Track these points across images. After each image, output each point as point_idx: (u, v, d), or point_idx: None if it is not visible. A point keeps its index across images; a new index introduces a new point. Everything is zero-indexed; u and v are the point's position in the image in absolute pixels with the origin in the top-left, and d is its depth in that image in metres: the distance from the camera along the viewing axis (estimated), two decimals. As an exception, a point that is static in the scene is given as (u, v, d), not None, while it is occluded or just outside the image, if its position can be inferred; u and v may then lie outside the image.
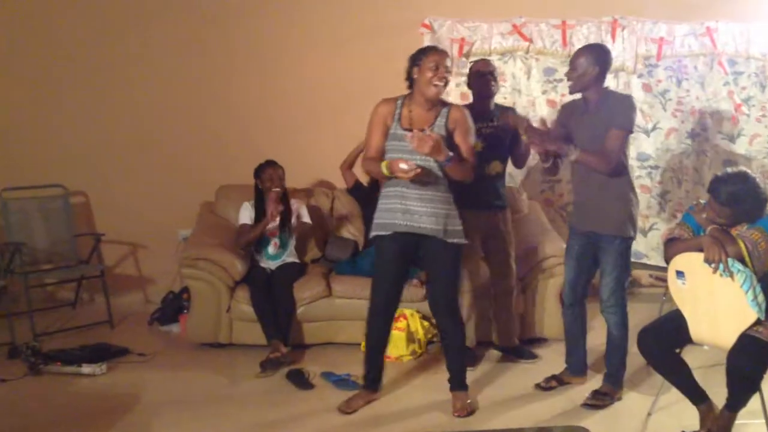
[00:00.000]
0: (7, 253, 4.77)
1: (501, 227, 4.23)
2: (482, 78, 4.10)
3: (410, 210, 3.41)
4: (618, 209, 3.60)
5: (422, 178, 3.33)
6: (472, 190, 4.04)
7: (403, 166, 3.27)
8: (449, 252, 3.49)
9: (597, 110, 3.59)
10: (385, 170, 3.36)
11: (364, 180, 4.91)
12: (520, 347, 4.36)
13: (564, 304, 3.93)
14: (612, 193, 3.58)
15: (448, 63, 3.42)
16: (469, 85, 4.23)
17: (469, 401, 3.62)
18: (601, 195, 3.60)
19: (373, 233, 3.55)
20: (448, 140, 3.45)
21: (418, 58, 3.44)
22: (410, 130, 3.37)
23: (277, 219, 4.61)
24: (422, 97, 3.44)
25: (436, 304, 3.63)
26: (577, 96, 3.70)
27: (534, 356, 4.31)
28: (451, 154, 3.34)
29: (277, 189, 4.58)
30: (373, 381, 3.69)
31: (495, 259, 4.27)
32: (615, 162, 3.51)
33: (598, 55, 3.60)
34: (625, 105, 3.60)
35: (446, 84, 3.43)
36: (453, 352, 3.66)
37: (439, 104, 3.50)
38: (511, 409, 3.67)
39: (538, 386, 3.89)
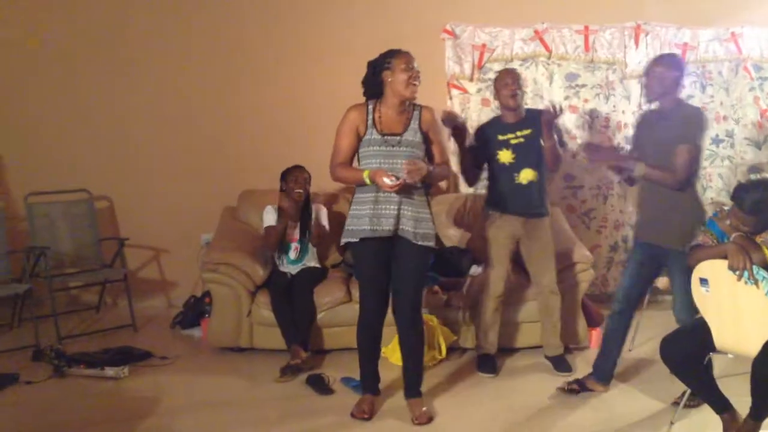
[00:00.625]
0: (33, 257, 4.85)
1: (538, 233, 4.16)
2: (506, 89, 4.07)
3: (381, 213, 3.42)
4: (682, 223, 3.53)
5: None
6: (506, 197, 4.10)
7: (387, 180, 3.28)
8: (417, 255, 3.49)
9: (668, 119, 3.58)
10: (367, 180, 3.37)
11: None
12: (560, 358, 4.26)
13: (611, 309, 3.88)
14: (677, 208, 3.54)
15: (416, 64, 3.43)
16: (496, 95, 4.21)
17: (425, 408, 3.59)
18: (666, 208, 3.56)
19: (344, 240, 3.55)
20: (424, 142, 3.51)
21: (386, 61, 3.44)
22: (385, 134, 3.42)
23: (297, 224, 4.64)
24: (397, 99, 3.46)
25: (401, 307, 3.56)
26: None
27: (569, 369, 4.20)
28: (431, 168, 3.39)
29: (300, 190, 4.61)
30: (372, 387, 3.69)
31: (532, 266, 4.24)
32: (683, 178, 3.50)
33: (675, 64, 3.60)
34: (694, 120, 3.57)
35: (419, 85, 3.44)
36: (412, 359, 3.64)
37: (409, 107, 3.52)
38: (530, 418, 3.65)
39: (560, 389, 3.87)
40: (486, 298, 4.25)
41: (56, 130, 5.46)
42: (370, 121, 3.47)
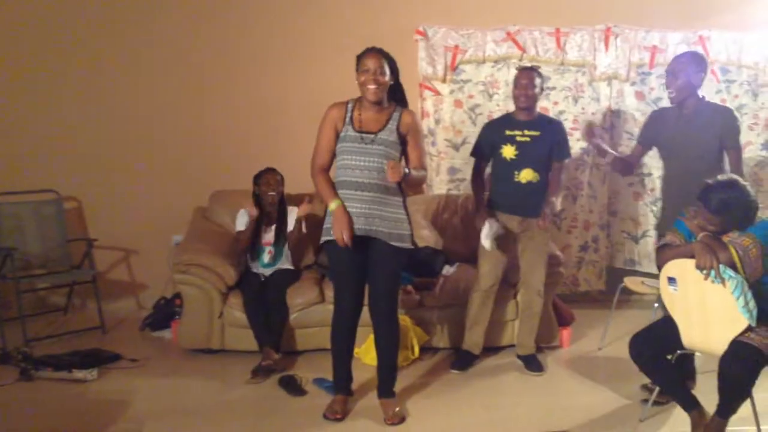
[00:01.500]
0: (-1, 258, 4.76)
1: (533, 233, 4.16)
2: (518, 89, 4.11)
3: (357, 213, 3.42)
4: None
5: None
6: (504, 194, 4.19)
7: (345, 238, 3.35)
8: (393, 256, 3.48)
9: (694, 117, 3.67)
10: (332, 207, 3.42)
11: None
12: (531, 357, 4.30)
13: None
14: None
15: (383, 64, 3.41)
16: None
17: (398, 408, 3.61)
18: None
19: (323, 239, 3.55)
20: (401, 144, 3.50)
21: (356, 62, 3.47)
22: (361, 131, 3.43)
23: (272, 228, 4.62)
24: (366, 100, 3.48)
25: (377, 307, 3.56)
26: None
27: (540, 369, 4.25)
28: (407, 171, 3.38)
29: (273, 193, 4.60)
30: (345, 387, 3.70)
31: (523, 263, 4.25)
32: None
33: (700, 64, 3.68)
34: (734, 122, 3.69)
35: (380, 86, 3.41)
36: (387, 359, 3.64)
37: (390, 107, 3.53)
38: (503, 418, 3.67)
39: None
40: (472, 291, 4.27)
41: (24, 129, 5.36)
42: (348, 119, 3.48)
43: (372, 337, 4.27)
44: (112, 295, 5.45)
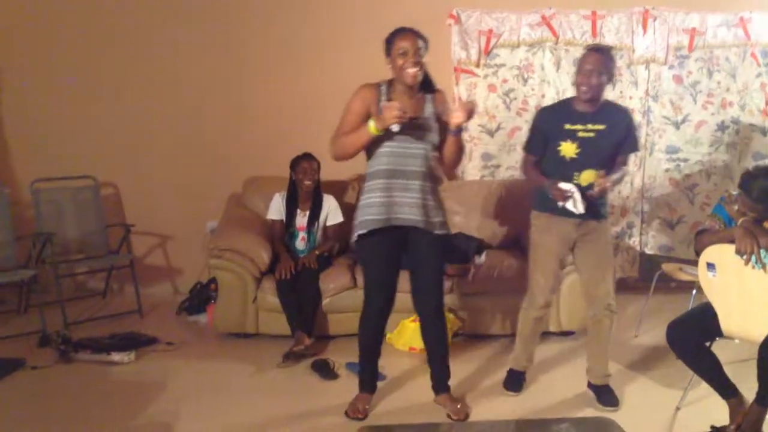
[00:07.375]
0: (39, 243, 4.86)
1: (594, 236, 3.51)
2: (581, 74, 3.36)
3: (392, 202, 3.22)
4: None
5: (408, 125, 3.10)
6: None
7: (394, 112, 3.01)
8: (437, 245, 3.31)
9: None
10: (372, 128, 3.09)
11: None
12: (605, 388, 3.61)
13: None
14: None
15: (420, 44, 3.12)
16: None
17: (459, 405, 3.46)
18: None
19: (356, 232, 3.29)
20: (438, 126, 3.26)
21: (387, 46, 3.19)
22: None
23: (307, 213, 4.63)
24: (402, 85, 3.21)
25: (426, 302, 3.39)
26: None
27: (615, 403, 3.54)
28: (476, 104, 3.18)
29: (309, 182, 4.59)
30: (370, 385, 3.55)
31: (584, 274, 3.59)
32: None
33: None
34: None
35: (420, 67, 3.14)
36: (438, 354, 3.49)
37: (421, 91, 3.26)
38: (543, 407, 3.65)
39: None
40: (525, 309, 3.67)
41: (63, 116, 5.46)
42: (382, 104, 3.17)
43: (404, 322, 4.30)
44: (149, 279, 5.54)
